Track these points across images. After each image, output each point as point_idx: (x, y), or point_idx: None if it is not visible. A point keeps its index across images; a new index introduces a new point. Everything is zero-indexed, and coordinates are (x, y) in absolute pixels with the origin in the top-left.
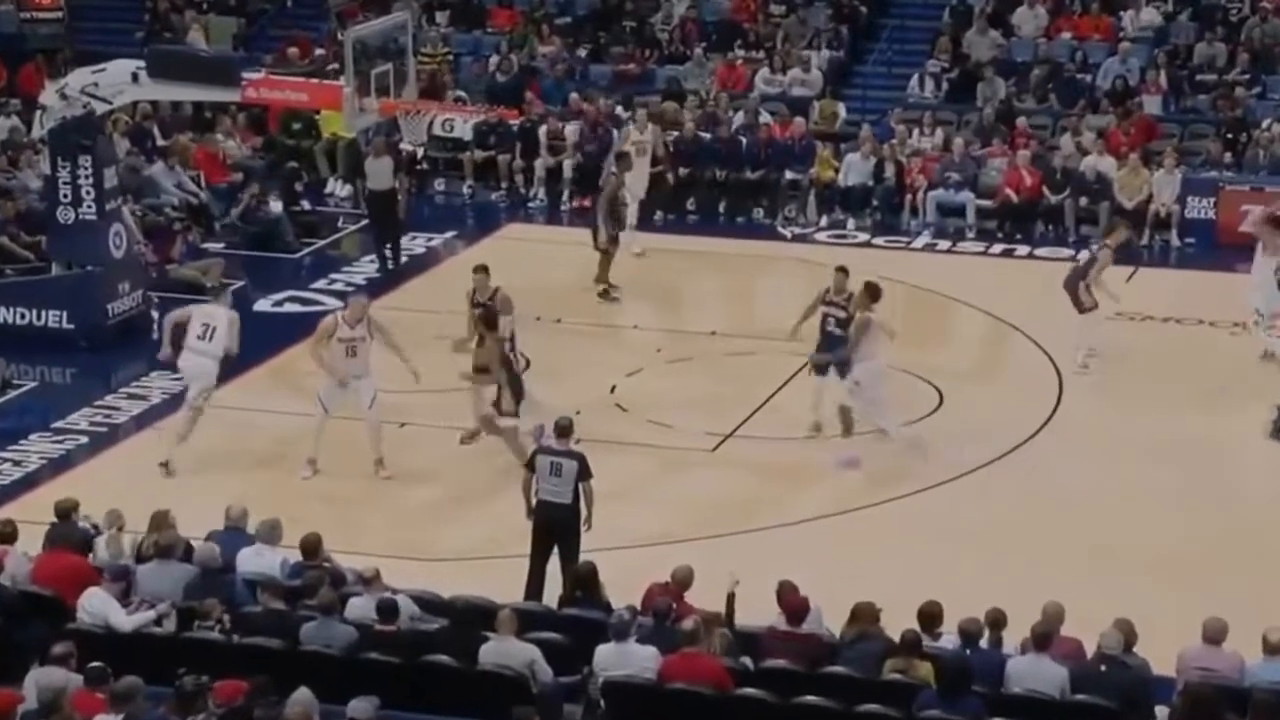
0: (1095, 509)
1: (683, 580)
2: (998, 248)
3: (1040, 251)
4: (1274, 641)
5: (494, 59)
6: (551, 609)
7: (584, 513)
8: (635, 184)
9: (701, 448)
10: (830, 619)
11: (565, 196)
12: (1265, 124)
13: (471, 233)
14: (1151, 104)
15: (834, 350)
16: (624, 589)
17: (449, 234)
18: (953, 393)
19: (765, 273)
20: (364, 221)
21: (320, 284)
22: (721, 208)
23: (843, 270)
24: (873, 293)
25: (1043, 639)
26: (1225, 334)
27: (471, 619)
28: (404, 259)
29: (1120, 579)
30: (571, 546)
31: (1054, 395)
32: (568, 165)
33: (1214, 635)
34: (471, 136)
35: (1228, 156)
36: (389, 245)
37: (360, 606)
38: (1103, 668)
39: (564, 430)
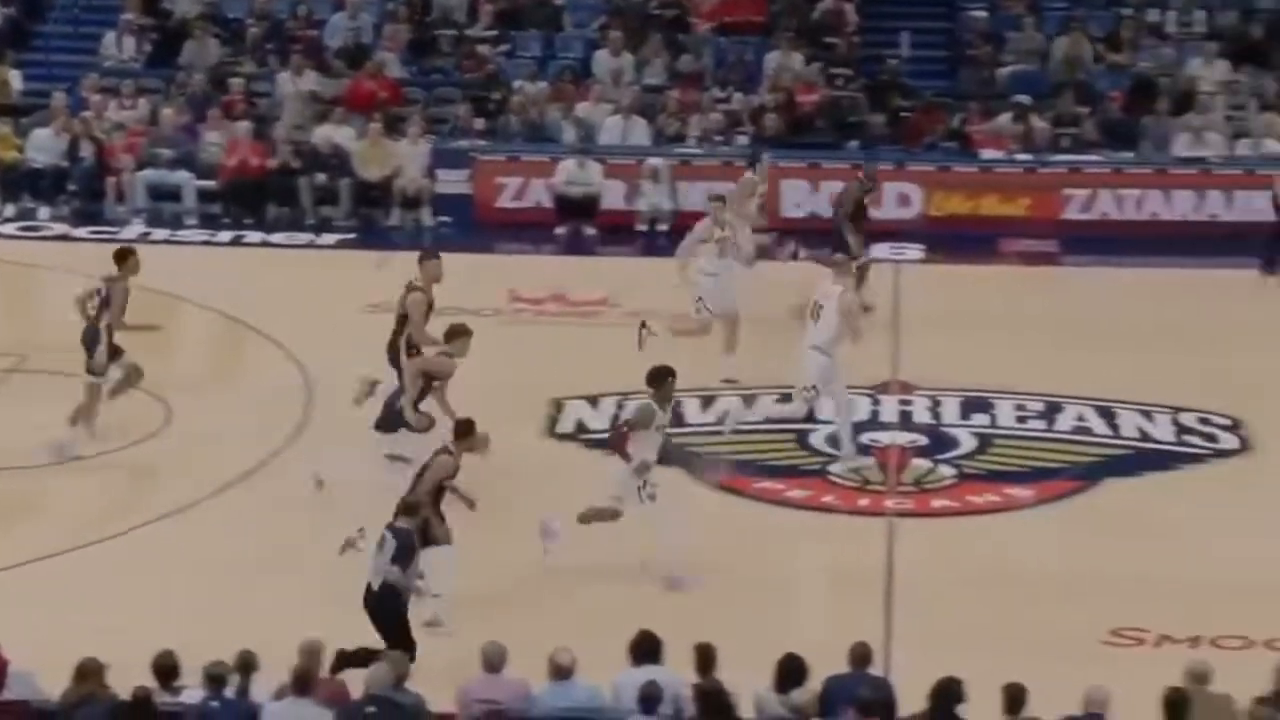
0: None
1: None
2: (225, 234)
3: (276, 237)
4: (563, 664)
5: None
6: None
7: None
8: None
9: None
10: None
11: None
12: (517, 86)
13: None
14: (392, 64)
15: None
16: None
17: None
18: (184, 407)
19: None
20: None
21: None
22: None
23: None
24: None
25: (302, 681)
26: (495, 324)
27: None
28: None
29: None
30: None
31: (301, 402)
32: None
33: (494, 662)
34: None
35: (480, 123)
36: None
37: None
38: (372, 709)
39: None
